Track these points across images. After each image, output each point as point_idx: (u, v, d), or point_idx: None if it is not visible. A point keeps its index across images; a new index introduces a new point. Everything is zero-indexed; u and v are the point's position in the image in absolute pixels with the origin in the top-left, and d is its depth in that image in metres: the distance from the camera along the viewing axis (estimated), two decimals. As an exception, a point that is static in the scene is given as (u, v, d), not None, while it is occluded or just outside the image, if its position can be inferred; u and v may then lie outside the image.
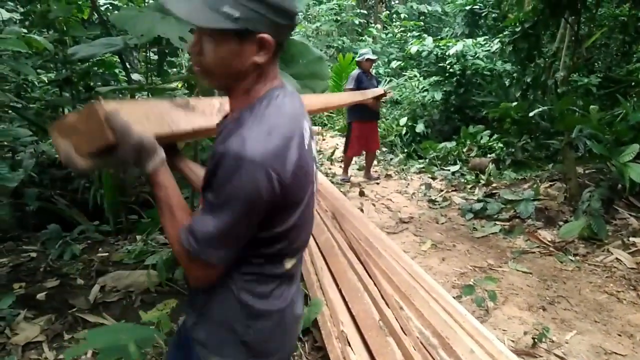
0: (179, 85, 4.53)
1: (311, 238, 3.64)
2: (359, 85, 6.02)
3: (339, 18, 14.87)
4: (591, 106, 5.00)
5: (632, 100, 5.63)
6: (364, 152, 6.55)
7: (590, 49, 8.51)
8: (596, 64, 9.06)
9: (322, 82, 3.01)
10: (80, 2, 4.43)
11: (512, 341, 2.56)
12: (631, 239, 3.94)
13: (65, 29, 4.09)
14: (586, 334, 2.66)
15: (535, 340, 2.50)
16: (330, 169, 7.25)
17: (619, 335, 2.65)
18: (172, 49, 4.88)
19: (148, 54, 4.61)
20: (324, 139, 9.47)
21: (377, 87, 6.13)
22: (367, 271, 3.00)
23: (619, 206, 4.45)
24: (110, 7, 5.15)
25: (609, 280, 3.38)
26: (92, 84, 4.36)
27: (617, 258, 3.70)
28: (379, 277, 2.88)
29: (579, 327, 2.73)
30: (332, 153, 8.08)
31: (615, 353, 2.47)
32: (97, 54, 2.69)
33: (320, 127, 10.54)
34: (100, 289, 2.84)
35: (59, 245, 3.38)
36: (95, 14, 4.51)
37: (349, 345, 2.25)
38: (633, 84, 7.02)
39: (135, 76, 4.49)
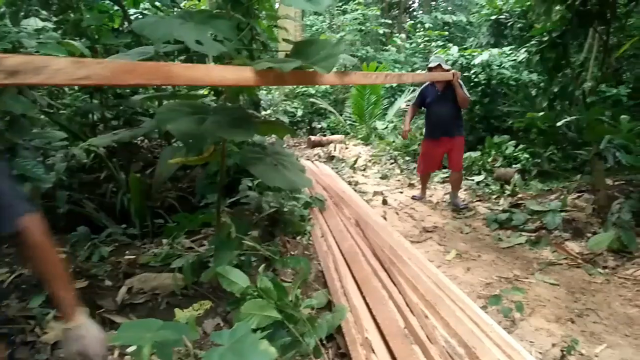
0: (205, 92, 4.60)
1: (334, 245, 3.65)
2: (422, 101, 5.56)
3: (363, 28, 14.92)
4: (622, 116, 4.90)
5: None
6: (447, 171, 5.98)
7: (619, 59, 8.37)
8: (625, 74, 8.88)
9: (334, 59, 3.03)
10: (111, 12, 4.55)
11: (540, 353, 2.51)
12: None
13: (97, 37, 4.20)
14: (616, 347, 2.59)
15: (564, 352, 2.45)
16: (352, 177, 7.24)
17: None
18: (200, 57, 4.97)
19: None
20: (347, 148, 9.48)
21: (464, 94, 5.22)
22: (391, 279, 2.99)
23: (650, 219, 4.33)
24: (141, 17, 5.28)
25: (640, 294, 3.29)
26: (120, 91, 4.46)
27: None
28: (403, 285, 2.86)
29: (609, 341, 2.66)
30: (355, 161, 8.08)
31: (648, 368, 2.40)
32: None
33: (343, 136, 10.56)
34: (127, 291, 2.88)
35: (87, 247, 3.44)
36: (127, 23, 4.63)
37: (374, 352, 2.23)
38: (665, 94, 6.84)
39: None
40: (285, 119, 8.80)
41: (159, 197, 4.40)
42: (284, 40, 3.69)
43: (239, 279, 2.30)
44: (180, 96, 3.31)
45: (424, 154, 5.75)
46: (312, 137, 10.40)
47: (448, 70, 5.25)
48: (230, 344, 1.65)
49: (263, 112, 8.30)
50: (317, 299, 2.79)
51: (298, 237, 3.89)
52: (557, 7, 7.09)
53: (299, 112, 11.21)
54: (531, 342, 2.63)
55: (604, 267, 3.76)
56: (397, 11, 19.15)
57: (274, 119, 6.05)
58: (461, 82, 5.22)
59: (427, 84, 5.56)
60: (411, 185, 6.78)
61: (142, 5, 5.08)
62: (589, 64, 7.04)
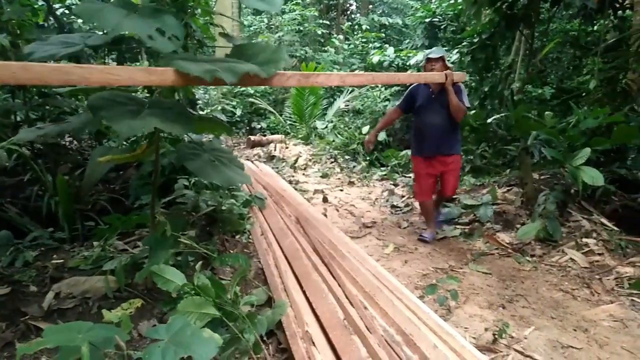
0: (140, 90, 4.44)
1: (274, 242, 3.63)
2: (410, 104, 4.34)
3: (301, 28, 14.97)
4: (546, 112, 5.19)
5: (582, 108, 5.87)
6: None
7: (544, 61, 8.88)
8: (549, 76, 9.44)
9: (277, 64, 3.03)
10: (35, 6, 4.29)
11: (474, 338, 2.60)
12: (584, 239, 4.09)
13: (18, 32, 3.95)
14: (544, 329, 2.74)
15: (496, 336, 2.56)
16: (293, 176, 7.24)
17: (574, 330, 2.73)
18: (132, 53, 4.78)
19: (107, 61, 4.50)
20: (287, 147, 9.47)
21: (458, 102, 3.99)
22: (331, 273, 3.00)
23: (572, 209, 4.61)
24: (67, 12, 5.02)
25: (564, 279, 3.49)
26: (45, 89, 4.21)
27: (571, 258, 3.83)
28: (343, 278, 2.88)
29: (537, 323, 2.80)
30: (295, 161, 8.09)
31: (571, 347, 2.55)
32: (56, 55, 2.59)
33: (283, 135, 10.54)
34: (54, 296, 2.72)
35: (9, 253, 3.23)
36: (52, 18, 4.38)
37: (314, 345, 2.23)
38: (584, 94, 7.32)
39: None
40: (224, 119, 8.67)
41: (90, 199, 4.20)
42: (220, 34, 3.61)
43: (175, 277, 2.24)
44: (109, 90, 3.17)
45: (417, 174, 4.45)
46: (252, 137, 10.31)
47: (439, 59, 4.08)
48: (170, 336, 1.60)
49: (200, 112, 8.13)
50: (257, 295, 2.76)
51: (237, 236, 3.84)
52: (487, 11, 7.45)
53: (238, 112, 11.09)
54: (466, 328, 2.72)
55: (532, 256, 3.97)
56: (335, 13, 19.35)
57: (210, 116, 5.94)
58: (461, 87, 4.06)
59: (417, 85, 4.38)
60: (351, 183, 6.87)
61: (68, 0, 4.85)
62: (517, 66, 7.43)
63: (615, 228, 4.27)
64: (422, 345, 2.11)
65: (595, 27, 7.62)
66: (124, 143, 4.32)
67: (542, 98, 7.84)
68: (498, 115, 6.17)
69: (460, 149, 4.38)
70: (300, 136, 10.41)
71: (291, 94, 11.03)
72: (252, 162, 7.74)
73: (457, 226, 4.74)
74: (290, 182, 6.40)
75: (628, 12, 6.60)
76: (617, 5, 6.60)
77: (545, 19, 7.89)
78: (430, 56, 4.14)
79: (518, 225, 4.54)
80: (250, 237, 3.90)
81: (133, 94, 3.23)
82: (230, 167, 2.99)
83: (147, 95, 4.08)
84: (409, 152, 7.81)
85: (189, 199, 3.71)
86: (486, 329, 2.69)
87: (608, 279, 3.46)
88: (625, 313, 2.95)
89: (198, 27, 3.74)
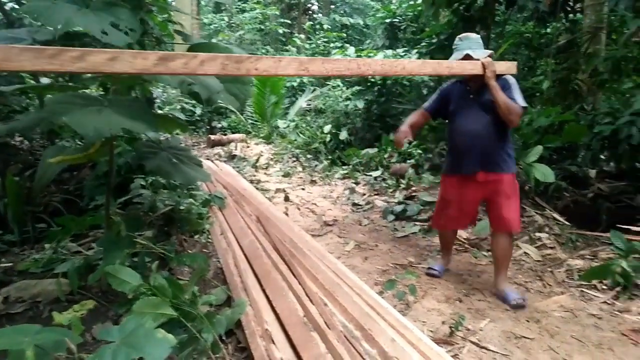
0: (95, 89, 4.31)
1: (234, 241, 3.60)
2: (441, 107, 3.32)
3: (262, 27, 14.90)
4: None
5: (536, 107, 6.08)
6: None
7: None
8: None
9: (246, 87, 3.00)
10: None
11: (431, 331, 2.65)
12: (537, 234, 4.23)
13: (-37, 26, 3.77)
14: (498, 321, 2.82)
15: (452, 329, 2.61)
16: (254, 175, 7.20)
17: (527, 321, 2.82)
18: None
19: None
20: (248, 146, 9.40)
21: (507, 101, 2.91)
22: (291, 271, 3.00)
23: (526, 205, 4.76)
24: (17, 7, 4.82)
25: (519, 272, 3.61)
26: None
27: (525, 252, 3.96)
28: (303, 276, 2.88)
29: (492, 316, 2.88)
30: (257, 160, 8.04)
31: (524, 337, 2.63)
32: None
33: (244, 134, 10.46)
34: (3, 300, 2.61)
35: (-47, 257, 3.09)
36: (1, 14, 4.20)
37: (273, 343, 2.23)
38: (537, 93, 7.56)
39: (43, 79, 4.20)
40: (183, 118, 8.53)
41: (42, 200, 4.05)
42: (175, 32, 3.55)
43: (130, 278, 2.18)
44: (61, 88, 3.07)
45: (442, 198, 3.43)
46: (212, 136, 10.19)
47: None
48: (122, 338, 1.57)
49: (159, 112, 7.97)
50: (216, 295, 2.73)
51: (196, 236, 3.78)
52: (445, 12, 7.61)
53: (198, 111, 10.93)
54: (424, 321, 2.77)
55: (488, 250, 4.07)
56: (296, 12, 19.34)
57: (167, 115, 5.82)
58: (511, 80, 3.04)
59: (454, 80, 3.39)
60: (313, 182, 6.88)
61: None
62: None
63: (567, 223, 4.44)
64: (381, 339, 2.14)
65: (549, 30, 7.88)
66: (79, 143, 4.19)
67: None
68: (456, 114, 6.29)
69: (515, 166, 3.17)
70: (261, 135, 10.37)
71: (253, 92, 10.97)
72: (212, 161, 7.65)
73: (416, 223, 4.81)
74: (251, 182, 6.36)
75: (579, 15, 6.88)
76: (569, 9, 6.87)
77: (501, 21, 8.13)
78: (468, 52, 3.01)
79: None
80: (209, 236, 3.85)
81: (84, 91, 3.15)
82: (189, 165, 2.96)
83: (102, 92, 3.98)
84: (370, 150, 7.91)
85: (145, 198, 3.64)
86: (443, 322, 2.74)
87: (559, 272, 3.59)
88: (574, 303, 3.07)
89: (155, 25, 3.66)
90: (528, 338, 2.62)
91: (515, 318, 2.87)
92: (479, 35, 3.19)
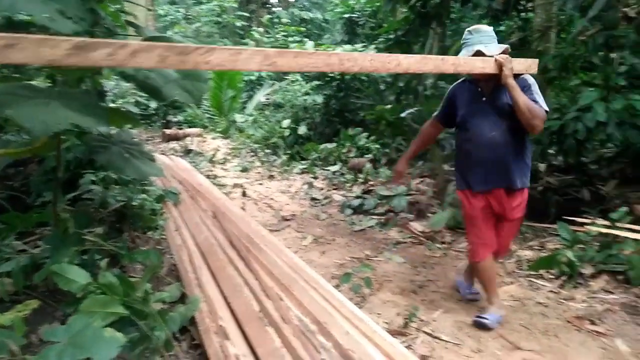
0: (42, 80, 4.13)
1: (189, 238, 3.54)
2: (450, 114, 2.83)
3: (220, 20, 14.67)
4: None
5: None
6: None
7: (454, 58, 9.33)
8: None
9: (200, 83, 2.94)
10: None
11: (386, 323, 2.70)
12: (489, 226, 4.36)
13: None
14: (451, 311, 2.89)
15: (407, 320, 2.66)
16: (211, 170, 7.10)
17: (479, 310, 2.90)
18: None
19: None
20: (205, 141, 9.26)
21: (528, 103, 2.48)
22: (247, 266, 2.98)
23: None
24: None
25: (471, 264, 3.71)
26: None
27: (477, 244, 4.07)
28: (259, 271, 2.87)
29: (445, 306, 2.95)
30: (214, 155, 7.94)
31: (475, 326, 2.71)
32: None
33: (201, 129, 10.29)
34: (-61, 303, 2.48)
35: None
36: None
37: (228, 339, 2.20)
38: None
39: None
40: (136, 112, 8.31)
41: (-15, 197, 3.86)
42: (127, 23, 3.44)
43: (78, 277, 2.11)
44: (4, 79, 2.93)
45: (469, 217, 2.80)
46: (167, 131, 9.98)
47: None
48: (69, 338, 1.52)
49: (111, 105, 7.73)
50: (169, 292, 2.67)
51: (149, 232, 3.70)
52: (402, 8, 7.71)
53: (153, 105, 10.65)
54: (379, 313, 2.81)
55: (442, 243, 4.17)
56: (255, 5, 19.15)
57: (118, 108, 5.65)
58: (530, 81, 2.61)
59: (461, 80, 2.89)
60: (271, 177, 6.86)
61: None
62: (429, 62, 7.75)
63: (517, 215, 4.58)
64: (336, 332, 2.15)
65: (502, 28, 8.10)
66: (25, 137, 4.02)
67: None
68: (412, 110, 6.40)
69: (528, 180, 2.73)
70: (219, 130, 10.23)
71: (210, 86, 10.79)
72: (167, 156, 7.48)
73: (373, 216, 4.88)
74: (208, 177, 6.26)
75: (530, 14, 7.10)
76: (521, 7, 7.08)
77: (456, 18, 8.30)
78: (479, 48, 2.54)
79: (430, 215, 4.75)
80: (163, 233, 3.78)
81: (30, 82, 3.02)
82: (142, 159, 2.88)
83: (50, 84, 3.82)
84: (329, 145, 7.93)
85: (96, 194, 3.52)
86: (398, 314, 2.80)
87: (509, 262, 3.71)
88: (523, 293, 3.18)
89: (107, 15, 3.54)
90: (479, 327, 2.70)
91: (467, 308, 2.95)
92: (491, 28, 2.69)
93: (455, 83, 2.90)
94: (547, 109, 2.53)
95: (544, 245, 4.00)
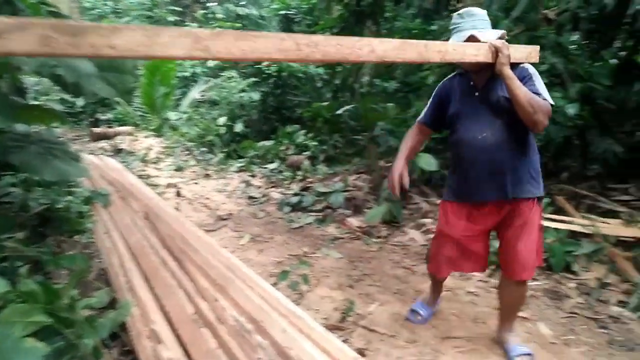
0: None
1: (119, 241, 3.40)
2: (439, 114, 2.44)
3: (151, 14, 14.18)
4: (387, 104, 5.58)
5: (422, 100, 6.43)
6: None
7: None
8: (396, 70, 10.13)
9: (126, 76, 2.81)
10: None
11: (324, 318, 2.72)
12: (422, 220, 4.50)
13: None
14: (387, 304, 2.95)
15: (344, 314, 2.70)
16: (144, 170, 6.86)
17: (413, 302, 2.98)
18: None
19: None
20: (137, 140, 8.93)
21: (529, 96, 2.08)
22: (182, 268, 2.90)
23: (413, 192, 5.04)
24: None
25: (406, 257, 3.81)
26: None
27: (411, 237, 4.19)
28: (194, 272, 2.80)
29: (381, 299, 3.02)
30: (146, 154, 7.67)
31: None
32: None
33: (132, 127, 9.91)
34: None
35: None
36: None
37: (161, 343, 2.14)
38: (424, 88, 7.99)
39: None
40: (61, 109, 7.88)
41: None
42: (50, 14, 3.25)
43: (-7, 286, 1.97)
44: None
45: (440, 232, 2.53)
46: (96, 129, 9.55)
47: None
48: (-15, 351, 1.41)
49: (34, 102, 7.28)
50: (98, 298, 2.58)
51: (76, 236, 3.52)
52: (337, 6, 7.77)
53: (80, 102, 10.13)
54: (317, 309, 2.83)
55: (378, 237, 4.25)
56: (188, 0, 18.66)
57: (40, 105, 5.32)
58: (531, 71, 2.23)
59: (452, 75, 2.50)
60: (207, 176, 6.72)
61: None
62: (365, 60, 7.87)
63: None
64: (273, 330, 2.14)
65: (434, 27, 8.34)
66: None
67: (388, 91, 8.41)
68: (348, 107, 6.48)
69: (542, 187, 2.32)
70: (151, 128, 9.89)
71: (141, 82, 10.40)
72: (96, 156, 7.14)
73: (311, 213, 4.90)
74: (140, 177, 6.04)
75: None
76: (452, 7, 7.33)
77: (390, 17, 8.47)
78: (473, 33, 2.17)
79: (366, 210, 4.83)
80: (91, 236, 3.61)
81: None
82: (65, 159, 2.72)
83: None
84: (266, 142, 7.87)
85: (16, 197, 3.29)
86: (335, 309, 2.82)
87: (442, 254, 3.84)
88: (455, 283, 3.30)
89: (26, 7, 3.31)
90: (413, 318, 2.77)
91: (402, 300, 3.03)
92: (484, 11, 2.31)
93: (445, 79, 2.49)
94: (552, 102, 2.15)
95: (473, 236, 4.17)
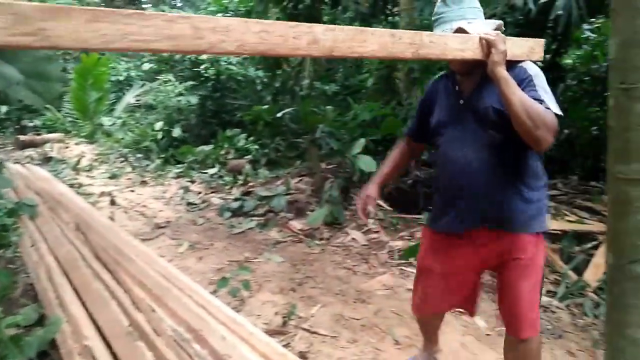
0: None
1: (47, 254, 3.22)
2: (424, 125, 1.98)
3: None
4: (327, 107, 5.63)
5: (361, 103, 6.53)
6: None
7: (331, 60, 9.62)
8: (337, 74, 10.23)
9: (52, 84, 2.69)
10: None
11: (265, 323, 2.69)
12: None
13: None
14: (329, 305, 2.96)
15: (285, 318, 2.68)
16: (75, 179, 6.54)
17: (354, 302, 3.02)
18: None
19: None
20: (67, 147, 8.53)
21: (526, 102, 1.56)
22: (116, 279, 2.79)
23: (354, 193, 5.09)
24: None
25: (347, 257, 3.84)
26: None
27: (353, 238, 4.23)
28: (129, 283, 2.70)
29: (323, 301, 3.02)
30: (78, 162, 7.33)
31: (352, 318, 2.82)
32: None
33: (62, 134, 9.44)
34: None
35: None
36: None
37: (94, 359, 2.04)
38: (363, 90, 8.13)
39: None
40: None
41: None
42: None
43: None
44: None
45: (420, 266, 2.11)
46: (22, 137, 9.03)
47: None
48: None
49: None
50: (24, 315, 2.43)
51: (0, 251, 3.31)
52: (274, 9, 7.76)
53: (3, 109, 9.53)
54: (258, 315, 2.80)
55: (321, 239, 4.27)
56: (121, 2, 18.04)
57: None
58: (530, 71, 1.71)
59: (440, 74, 2.10)
60: (144, 183, 6.51)
61: None
62: (306, 63, 7.91)
63: (389, 208, 4.85)
64: (212, 339, 2.09)
65: (371, 31, 8.49)
66: None
67: (328, 94, 8.49)
68: (289, 110, 6.48)
69: (544, 220, 1.82)
70: (83, 134, 9.48)
71: (71, 87, 9.93)
72: (22, 165, 6.74)
73: (253, 218, 4.85)
74: (71, 186, 5.76)
75: (397, 17, 7.54)
76: (388, 12, 7.51)
77: (328, 21, 8.55)
78: (461, 24, 1.72)
79: (309, 212, 4.84)
80: (17, 250, 3.40)
81: None
82: (-17, 170, 2.56)
83: None
84: (206, 147, 7.72)
85: None
86: (276, 313, 2.80)
87: (382, 253, 3.91)
88: (395, 281, 3.37)
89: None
90: (355, 318, 2.81)
91: (344, 301, 3.05)
92: None
93: (433, 79, 2.11)
94: (559, 111, 1.61)
95: (413, 234, 4.27)
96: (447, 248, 1.90)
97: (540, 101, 1.60)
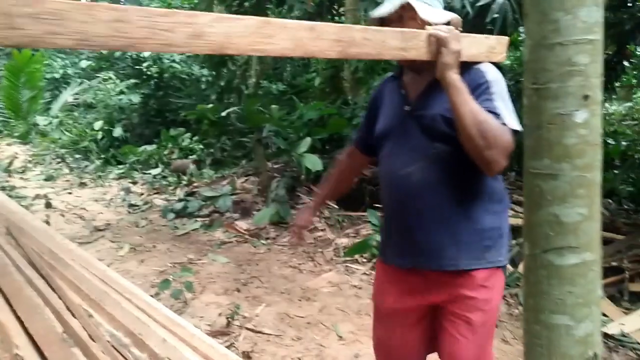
0: None
1: (-24, 260, 3.04)
2: (366, 128, 1.65)
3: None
4: (272, 106, 5.62)
5: (308, 102, 6.55)
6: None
7: (277, 59, 9.59)
8: (285, 73, 10.21)
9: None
10: None
11: (209, 325, 2.66)
12: (309, 219, 4.57)
13: None
14: (274, 304, 2.96)
15: (229, 319, 2.66)
16: (7, 181, 6.21)
17: (300, 300, 3.04)
18: None
19: None
20: (-1, 149, 8.08)
21: (477, 113, 1.24)
22: (50, 285, 2.66)
23: (301, 192, 5.11)
24: None
25: (293, 256, 3.86)
26: None
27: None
28: (65, 289, 2.58)
29: (268, 300, 3.02)
30: (10, 163, 6.95)
31: (297, 316, 2.83)
32: None
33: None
34: None
35: None
36: None
37: (24, 369, 1.94)
38: (310, 90, 8.17)
39: None
40: None
41: None
42: None
43: None
44: None
45: (376, 310, 1.61)
46: (-51, 138, 8.46)
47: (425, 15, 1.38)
48: None
49: None
50: (-54, 327, 2.27)
51: None
52: (219, 7, 7.65)
53: None
54: (201, 316, 2.76)
55: (267, 239, 4.26)
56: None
57: None
58: (488, 76, 1.37)
59: (386, 78, 1.71)
60: (82, 185, 6.27)
61: None
62: (252, 62, 7.85)
63: (335, 206, 4.89)
64: (151, 342, 2.04)
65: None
66: None
67: (274, 93, 8.46)
68: (234, 109, 6.41)
69: (504, 255, 1.48)
70: (16, 134, 9.00)
71: (2, 85, 9.39)
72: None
73: (198, 219, 4.77)
74: (3, 189, 5.47)
75: (343, 17, 7.61)
76: (334, 12, 7.57)
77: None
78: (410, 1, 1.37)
79: (255, 212, 4.81)
80: (-60, 257, 3.18)
81: None
82: None
83: None
84: (148, 147, 7.51)
85: None
86: (220, 314, 2.77)
87: (328, 251, 3.94)
88: (340, 278, 3.41)
89: None
90: (300, 316, 2.82)
91: (289, 299, 3.06)
92: None
93: (381, 80, 1.91)
94: (518, 126, 1.29)
95: (358, 232, 4.33)
96: (399, 282, 1.51)
97: (497, 115, 1.29)
